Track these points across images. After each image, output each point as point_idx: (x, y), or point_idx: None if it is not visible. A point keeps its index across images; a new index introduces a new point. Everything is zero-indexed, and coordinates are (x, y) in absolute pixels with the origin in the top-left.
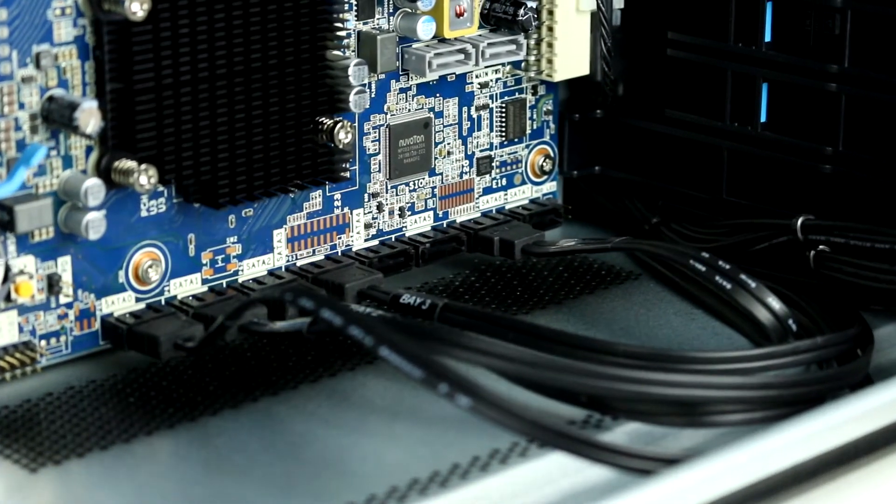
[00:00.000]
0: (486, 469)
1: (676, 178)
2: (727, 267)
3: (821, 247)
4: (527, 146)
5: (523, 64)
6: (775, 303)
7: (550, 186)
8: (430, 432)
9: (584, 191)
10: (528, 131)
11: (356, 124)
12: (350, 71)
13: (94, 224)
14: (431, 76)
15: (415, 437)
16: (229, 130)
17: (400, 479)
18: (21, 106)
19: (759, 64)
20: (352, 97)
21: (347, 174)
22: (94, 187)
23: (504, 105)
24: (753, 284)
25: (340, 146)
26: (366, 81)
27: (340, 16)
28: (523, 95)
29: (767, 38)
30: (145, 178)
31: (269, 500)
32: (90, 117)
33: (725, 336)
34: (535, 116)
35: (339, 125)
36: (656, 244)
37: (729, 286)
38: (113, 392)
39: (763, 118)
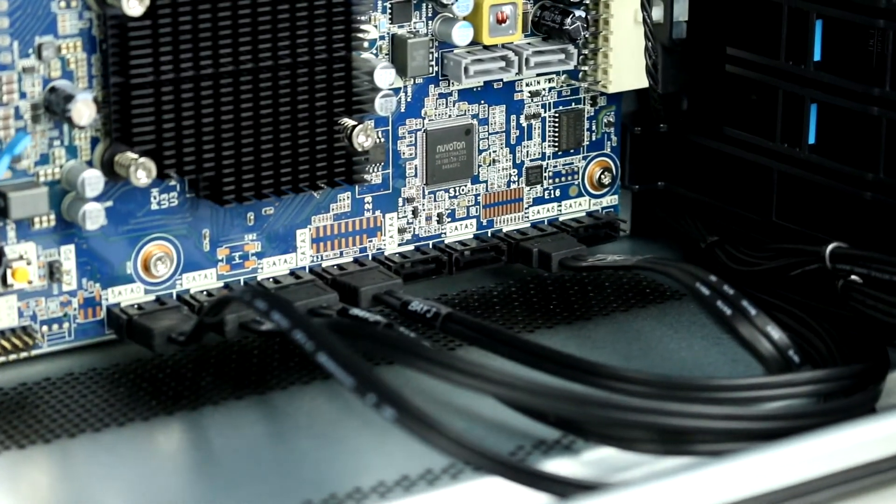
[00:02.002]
0: (434, 483)
1: (732, 198)
2: (731, 292)
3: (853, 277)
4: (584, 157)
5: (580, 74)
6: (775, 332)
7: (611, 200)
8: (396, 443)
9: (650, 206)
10: (586, 143)
11: (389, 128)
12: (375, 74)
13: (92, 215)
14: (468, 82)
15: (378, 445)
16: (235, 129)
17: (343, 486)
18: (23, 95)
19: (807, 84)
20: (377, 100)
21: (369, 177)
22: (91, 178)
23: (557, 115)
24: (754, 312)
25: (360, 149)
26: (393, 85)
27: (360, 17)
28: (580, 106)
29: (817, 57)
30: (142, 172)
31: (203, 499)
32: (83, 110)
33: (744, 364)
34: (594, 128)
35: (359, 128)
36: (672, 264)
37: (729, 312)
38: (108, 381)
39: (812, 140)
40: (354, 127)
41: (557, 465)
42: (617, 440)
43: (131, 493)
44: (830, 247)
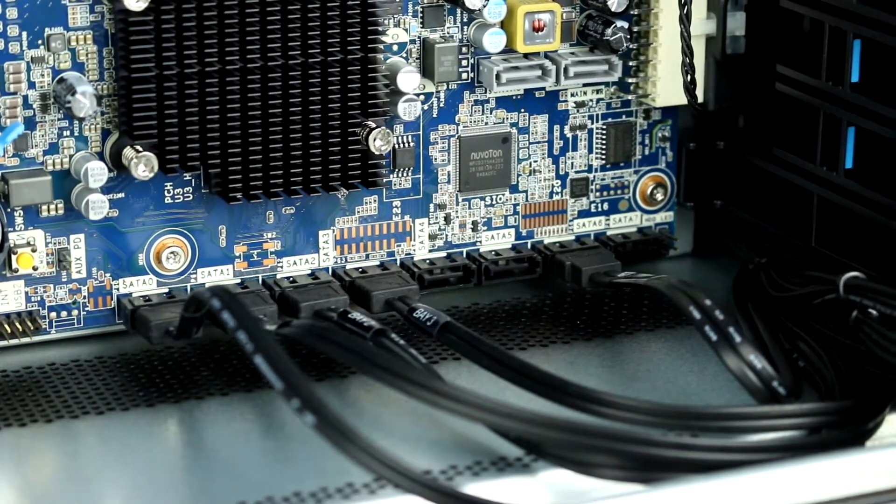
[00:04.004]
0: (375, 493)
1: (778, 221)
2: (721, 318)
3: (870, 310)
4: (636, 171)
5: (631, 86)
6: (758, 362)
7: (665, 216)
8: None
9: (710, 224)
10: (638, 157)
11: (420, 133)
12: (399, 77)
13: (95, 205)
14: (500, 90)
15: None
16: (242, 126)
17: (285, 490)
18: (32, 85)
19: (844, 105)
20: (400, 104)
21: (386, 181)
22: (95, 169)
23: (605, 127)
24: (738, 340)
25: (376, 153)
26: (421, 89)
27: (378, 18)
28: (631, 119)
29: (855, 78)
30: (144, 166)
31: (135, 498)
32: (83, 102)
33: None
34: (647, 142)
35: (376, 131)
36: (676, 286)
37: (715, 338)
38: (108, 370)
39: (848, 164)
40: (372, 130)
41: (510, 484)
42: (576, 464)
43: (67, 482)
44: (846, 276)
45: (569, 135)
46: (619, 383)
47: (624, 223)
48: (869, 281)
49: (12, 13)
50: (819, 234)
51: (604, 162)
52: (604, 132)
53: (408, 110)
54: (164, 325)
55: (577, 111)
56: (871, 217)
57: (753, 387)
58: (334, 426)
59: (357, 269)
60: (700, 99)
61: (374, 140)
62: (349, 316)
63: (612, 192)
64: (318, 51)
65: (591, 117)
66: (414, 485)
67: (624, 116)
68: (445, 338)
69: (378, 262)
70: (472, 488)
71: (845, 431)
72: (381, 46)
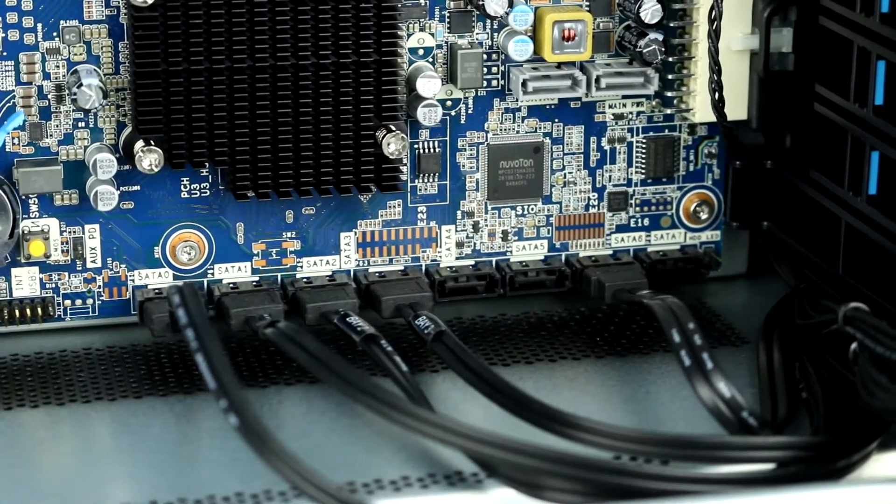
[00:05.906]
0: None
1: (813, 246)
2: (698, 343)
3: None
4: (680, 188)
5: (675, 100)
6: (727, 391)
7: (712, 235)
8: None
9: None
10: (682, 173)
11: (447, 139)
12: (418, 82)
13: (104, 196)
14: (527, 99)
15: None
16: (250, 125)
17: (228, 489)
18: (47, 76)
19: (868, 129)
20: (420, 109)
21: (401, 185)
22: (104, 161)
23: (646, 141)
24: (710, 366)
25: (391, 157)
26: (446, 94)
27: (396, 21)
28: (674, 134)
29: (878, 101)
30: (147, 160)
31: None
32: (87, 94)
33: None
34: (692, 158)
35: (389, 135)
36: (668, 307)
37: (688, 363)
38: (115, 359)
39: (872, 190)
40: (386, 134)
41: (454, 500)
42: (527, 486)
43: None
44: (845, 308)
45: (606, 147)
46: (610, 403)
47: (666, 240)
48: (867, 314)
49: (28, 4)
50: (846, 261)
51: (644, 176)
52: (644, 146)
53: (428, 115)
54: (167, 319)
55: (616, 123)
56: (889, 247)
57: (722, 416)
58: (254, 431)
59: (377, 273)
60: (743, 115)
61: (388, 144)
62: (347, 319)
63: (653, 208)
64: (331, 52)
65: (630, 130)
66: (323, 495)
67: (666, 131)
68: (437, 347)
69: (401, 268)
70: (412, 500)
71: (814, 468)
72: (399, 50)
